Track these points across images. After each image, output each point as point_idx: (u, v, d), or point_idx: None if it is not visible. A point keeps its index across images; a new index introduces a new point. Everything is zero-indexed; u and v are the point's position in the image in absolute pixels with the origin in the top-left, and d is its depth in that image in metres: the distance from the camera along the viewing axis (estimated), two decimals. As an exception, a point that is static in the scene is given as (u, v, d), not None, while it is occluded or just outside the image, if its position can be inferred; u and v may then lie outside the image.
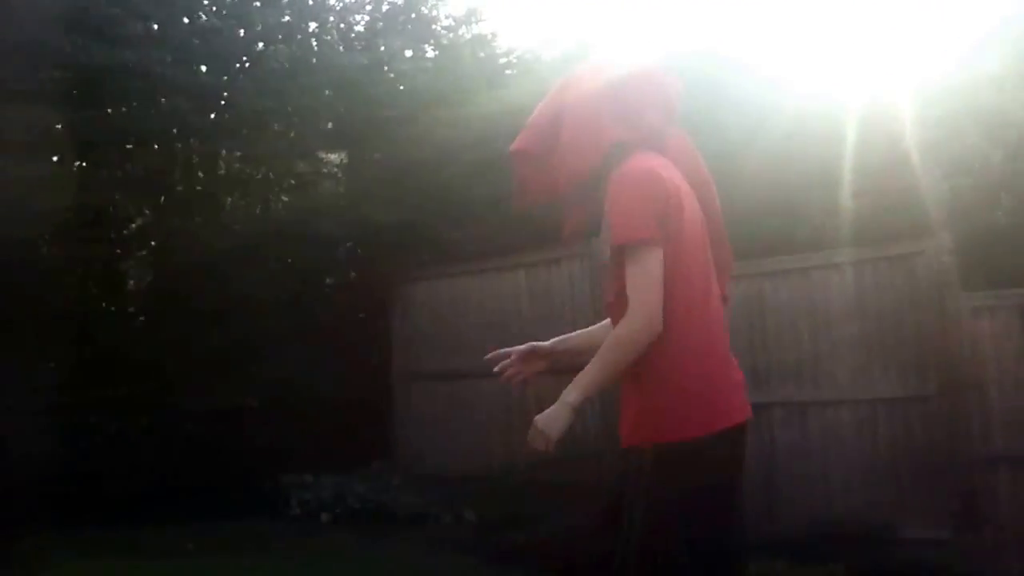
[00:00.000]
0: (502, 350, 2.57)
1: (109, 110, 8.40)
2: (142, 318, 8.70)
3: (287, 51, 8.62)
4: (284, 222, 8.59)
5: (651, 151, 2.33)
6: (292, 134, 8.85)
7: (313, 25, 9.24)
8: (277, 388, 7.74)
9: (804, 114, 6.52)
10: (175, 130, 8.74)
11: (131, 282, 9.06)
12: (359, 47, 9.11)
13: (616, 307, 2.26)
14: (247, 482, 7.32)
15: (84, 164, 8.63)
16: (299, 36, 9.04)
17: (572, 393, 2.20)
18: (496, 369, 2.55)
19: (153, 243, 9.03)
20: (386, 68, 8.94)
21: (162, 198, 8.82)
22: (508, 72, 9.02)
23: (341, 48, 9.10)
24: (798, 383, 6.28)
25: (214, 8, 9.00)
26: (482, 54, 9.10)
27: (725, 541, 2.25)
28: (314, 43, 9.14)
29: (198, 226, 8.55)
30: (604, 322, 2.51)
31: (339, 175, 9.41)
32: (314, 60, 8.83)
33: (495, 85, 8.25)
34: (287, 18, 9.01)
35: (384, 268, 8.51)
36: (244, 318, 7.87)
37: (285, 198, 9.18)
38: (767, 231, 6.39)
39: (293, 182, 9.08)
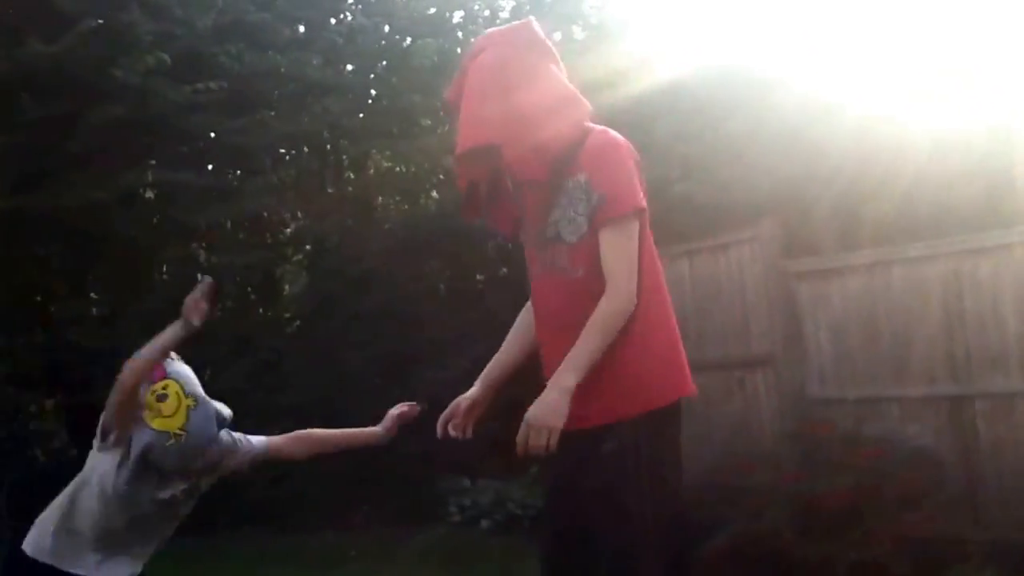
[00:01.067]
0: (441, 423, 2.54)
1: (260, 116, 8.58)
2: (297, 323, 8.82)
3: (434, 44, 8.56)
4: (434, 219, 8.53)
5: None
6: (439, 130, 8.79)
7: (459, 15, 9.18)
8: (431, 390, 7.65)
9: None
10: (325, 132, 8.85)
11: (287, 287, 9.23)
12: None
13: (584, 282, 2.19)
14: (404, 487, 7.27)
15: (239, 171, 8.86)
16: (445, 27, 8.98)
17: (569, 377, 2.11)
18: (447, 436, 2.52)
19: (308, 247, 9.16)
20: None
21: (314, 201, 8.94)
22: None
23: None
24: (1005, 373, 5.65)
25: (359, 6, 9.08)
26: (634, 34, 8.76)
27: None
28: (460, 33, 9.06)
29: (350, 227, 8.61)
30: (521, 323, 2.50)
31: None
32: (459, 50, 8.74)
33: (650, 63, 7.90)
34: (432, 10, 8.96)
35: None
36: (397, 318, 7.84)
37: (435, 195, 9.13)
38: (962, 204, 5.80)
39: (442, 177, 9.03)
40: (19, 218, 7.13)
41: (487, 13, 9.22)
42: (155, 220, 8.15)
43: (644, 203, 2.20)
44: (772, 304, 6.31)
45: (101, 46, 7.37)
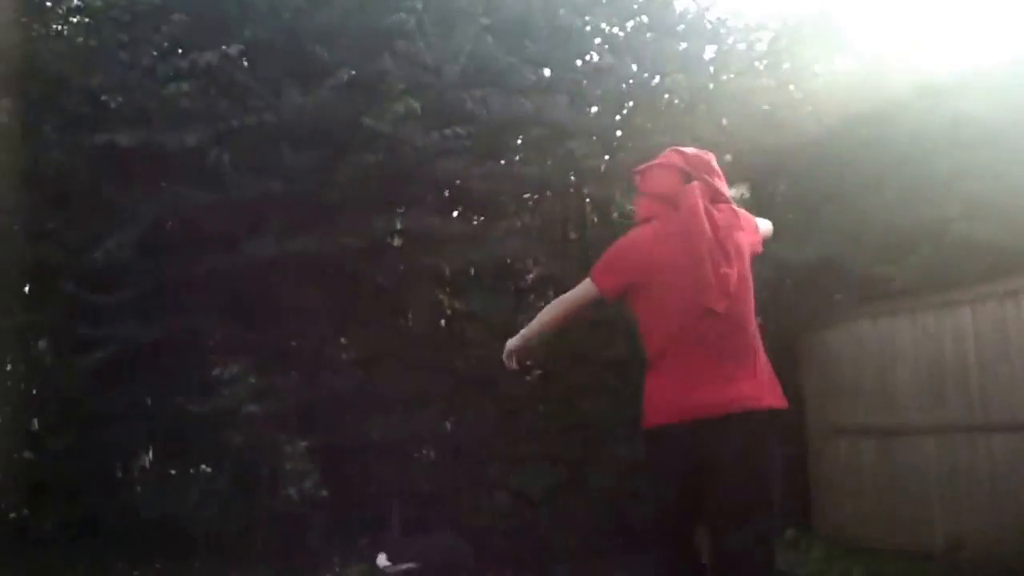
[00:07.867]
0: None
1: (506, 161, 9.06)
2: (538, 372, 9.15)
3: (684, 81, 8.75)
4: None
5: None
6: (685, 171, 8.92)
7: (711, 50, 9.32)
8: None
9: None
10: (571, 175, 9.21)
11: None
12: (761, 68, 9.03)
13: None
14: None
15: (483, 217, 9.37)
16: (697, 64, 9.14)
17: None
18: None
19: (550, 292, 9.51)
20: (792, 88, 8.76)
21: (557, 246, 9.31)
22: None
23: (743, 71, 9.06)
24: None
25: (606, 45, 9.41)
26: (912, 62, 8.56)
27: (678, 507, 3.49)
28: (712, 68, 9.20)
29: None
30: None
31: (742, 211, 9.33)
32: (711, 87, 8.89)
33: (927, 95, 7.72)
34: (684, 45, 9.17)
35: (794, 311, 8.27)
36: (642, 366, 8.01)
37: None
38: None
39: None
40: (282, 265, 7.93)
41: (742, 46, 9.30)
42: (402, 267, 8.76)
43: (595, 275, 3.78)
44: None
45: (354, 96, 8.06)
